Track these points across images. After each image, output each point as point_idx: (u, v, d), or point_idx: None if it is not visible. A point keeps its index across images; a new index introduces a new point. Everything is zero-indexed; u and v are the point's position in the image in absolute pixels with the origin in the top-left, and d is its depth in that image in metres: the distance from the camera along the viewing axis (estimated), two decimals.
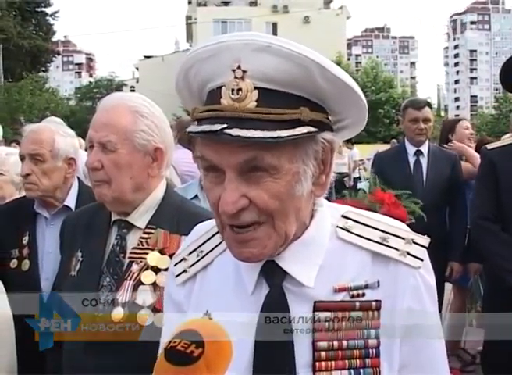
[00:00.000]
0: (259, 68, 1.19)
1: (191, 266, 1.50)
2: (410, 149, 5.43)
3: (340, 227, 1.39)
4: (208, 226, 1.53)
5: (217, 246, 1.47)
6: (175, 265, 1.54)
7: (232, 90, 1.20)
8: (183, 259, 1.52)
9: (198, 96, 1.33)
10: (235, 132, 1.15)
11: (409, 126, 5.43)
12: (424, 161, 5.37)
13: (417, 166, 5.36)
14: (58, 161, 3.03)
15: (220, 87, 1.23)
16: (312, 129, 1.23)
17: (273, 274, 1.35)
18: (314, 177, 1.30)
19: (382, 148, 15.14)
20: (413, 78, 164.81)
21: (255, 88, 1.20)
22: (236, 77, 1.20)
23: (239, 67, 1.20)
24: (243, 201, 1.22)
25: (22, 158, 3.01)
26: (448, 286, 5.96)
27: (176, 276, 1.52)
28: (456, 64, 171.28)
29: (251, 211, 1.23)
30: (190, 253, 1.51)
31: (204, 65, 1.25)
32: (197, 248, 1.51)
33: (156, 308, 1.99)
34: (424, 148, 5.42)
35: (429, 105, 5.70)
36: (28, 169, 2.96)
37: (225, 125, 1.16)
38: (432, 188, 5.22)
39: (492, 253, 3.84)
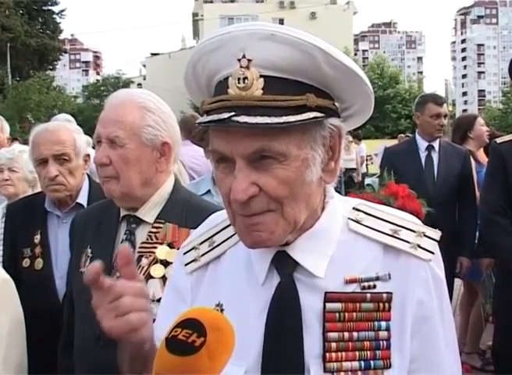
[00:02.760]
0: (264, 56, 1.21)
1: (202, 255, 1.50)
2: (422, 144, 5.40)
3: (352, 219, 1.39)
4: (221, 216, 1.53)
5: (230, 237, 1.48)
6: (184, 253, 1.54)
7: (239, 79, 1.21)
8: (194, 248, 1.52)
9: (207, 90, 1.35)
10: (242, 119, 1.17)
11: (430, 121, 5.36)
12: (435, 156, 5.35)
13: (429, 161, 5.34)
14: (79, 159, 3.05)
15: (227, 78, 1.24)
16: (319, 114, 1.24)
17: (284, 264, 1.35)
18: (323, 163, 1.30)
19: (390, 143, 15.12)
20: (420, 73, 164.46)
21: (261, 76, 1.21)
22: (241, 66, 1.21)
23: (244, 56, 1.21)
24: (253, 188, 1.22)
25: (44, 160, 2.97)
26: (458, 281, 5.95)
27: (186, 264, 1.52)
28: (464, 58, 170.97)
29: (261, 199, 1.24)
30: (202, 242, 1.51)
31: (210, 57, 1.27)
32: (210, 237, 1.51)
33: None
34: (436, 143, 5.40)
35: (445, 100, 5.66)
36: (55, 170, 2.95)
37: (232, 113, 1.18)
38: (443, 183, 5.20)
39: (501, 247, 3.84)
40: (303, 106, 1.21)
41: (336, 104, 1.32)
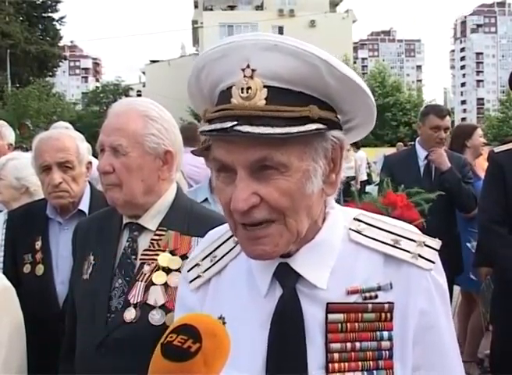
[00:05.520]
0: (268, 66, 1.21)
1: (205, 271, 1.51)
2: (421, 153, 5.40)
3: (353, 230, 1.40)
4: (220, 231, 1.55)
5: (230, 251, 1.49)
6: (188, 270, 1.55)
7: (242, 88, 1.22)
8: (197, 265, 1.53)
9: (209, 98, 1.35)
10: (245, 128, 1.17)
11: (430, 133, 5.35)
12: (433, 165, 5.35)
13: (427, 170, 5.35)
14: (82, 166, 3.07)
15: (230, 87, 1.25)
16: (321, 126, 1.24)
17: (286, 276, 1.36)
18: (324, 175, 1.30)
19: (389, 151, 15.14)
20: (419, 81, 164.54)
21: (264, 87, 1.22)
22: (245, 76, 1.22)
23: (248, 66, 1.22)
24: (254, 198, 1.23)
25: (47, 167, 2.97)
26: (456, 289, 5.95)
27: (190, 281, 1.53)
28: (463, 67, 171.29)
29: (262, 209, 1.24)
30: (204, 258, 1.53)
31: (214, 66, 1.28)
32: (211, 253, 1.52)
33: (168, 308, 2.01)
34: None
35: (449, 113, 5.62)
36: (59, 177, 2.96)
37: (235, 122, 1.19)
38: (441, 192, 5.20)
39: (500, 256, 3.84)
40: (305, 117, 1.22)
41: (339, 116, 1.33)
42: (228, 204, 1.26)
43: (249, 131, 1.17)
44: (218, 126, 1.21)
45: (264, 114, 1.20)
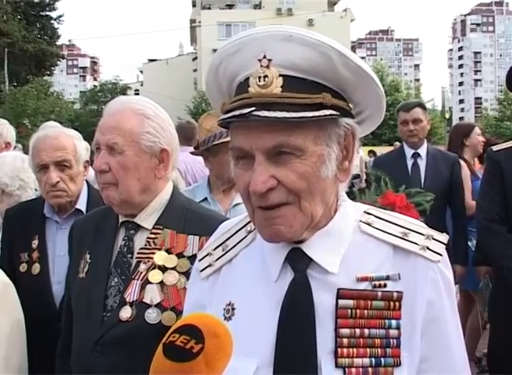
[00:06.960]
0: (283, 56, 1.28)
1: (216, 260, 1.55)
2: (408, 152, 5.48)
3: (363, 222, 1.44)
4: (232, 223, 1.60)
5: (242, 240, 1.53)
6: (200, 260, 1.59)
7: (259, 77, 1.29)
8: (209, 254, 1.57)
9: (227, 92, 1.41)
10: (263, 113, 1.24)
11: (401, 128, 5.55)
12: (422, 163, 5.38)
13: (415, 169, 5.38)
14: (80, 165, 3.07)
15: (247, 79, 1.31)
16: (334, 112, 1.30)
17: (298, 261, 1.39)
18: (337, 161, 1.36)
19: (387, 150, 15.12)
20: (417, 80, 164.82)
21: (280, 75, 1.29)
22: (262, 66, 1.29)
23: (264, 56, 1.29)
24: (271, 181, 1.28)
25: (45, 166, 2.97)
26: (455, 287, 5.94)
27: (201, 271, 1.57)
28: (461, 66, 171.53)
29: (280, 191, 1.29)
30: (216, 248, 1.56)
31: (232, 59, 1.34)
32: (223, 243, 1.56)
33: (164, 307, 2.02)
34: (423, 151, 5.46)
35: (421, 105, 5.68)
36: (56, 176, 2.96)
37: (253, 108, 1.25)
38: (430, 190, 5.20)
39: (499, 255, 3.83)
40: (319, 104, 1.28)
41: (350, 105, 1.38)
42: (246, 188, 1.32)
43: (266, 115, 1.24)
44: (236, 112, 1.27)
45: (280, 100, 1.26)
